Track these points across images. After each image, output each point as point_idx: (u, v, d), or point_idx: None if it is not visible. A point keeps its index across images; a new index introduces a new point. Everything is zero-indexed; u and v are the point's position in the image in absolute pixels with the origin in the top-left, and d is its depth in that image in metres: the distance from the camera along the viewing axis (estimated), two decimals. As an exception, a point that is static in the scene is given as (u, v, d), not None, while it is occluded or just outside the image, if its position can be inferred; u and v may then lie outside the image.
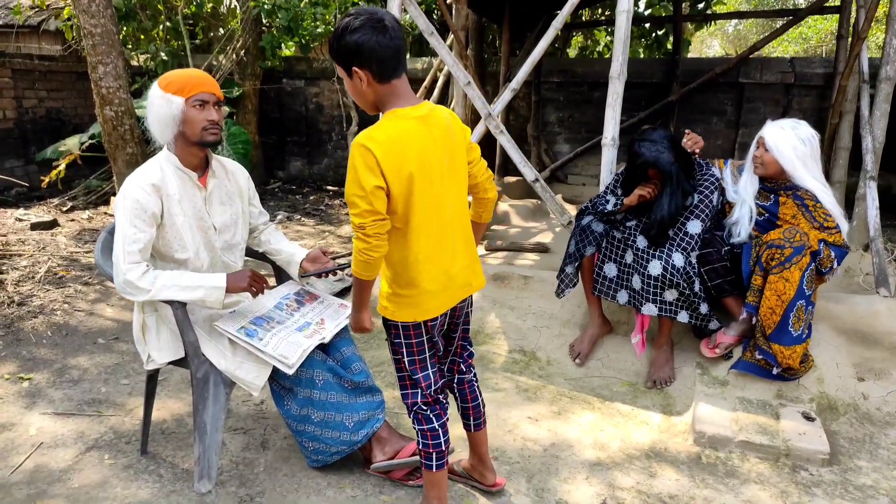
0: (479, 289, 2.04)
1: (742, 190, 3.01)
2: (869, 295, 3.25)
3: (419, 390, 2.00)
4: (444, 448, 2.00)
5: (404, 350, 1.97)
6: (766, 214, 2.98)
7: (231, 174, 2.37)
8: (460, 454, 2.41)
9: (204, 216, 2.24)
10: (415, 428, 2.03)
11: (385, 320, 1.96)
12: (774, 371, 2.82)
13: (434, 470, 2.00)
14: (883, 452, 2.62)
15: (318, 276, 2.43)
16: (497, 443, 2.61)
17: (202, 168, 2.25)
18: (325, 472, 2.36)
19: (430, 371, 1.99)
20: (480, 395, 2.22)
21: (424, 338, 1.95)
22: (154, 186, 2.09)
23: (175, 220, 2.15)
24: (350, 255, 2.59)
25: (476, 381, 2.22)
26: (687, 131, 3.16)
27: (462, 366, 2.18)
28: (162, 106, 2.09)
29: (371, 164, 1.68)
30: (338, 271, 2.47)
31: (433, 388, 2.00)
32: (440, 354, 2.07)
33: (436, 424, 2.00)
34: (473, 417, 2.20)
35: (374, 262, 1.79)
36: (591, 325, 3.31)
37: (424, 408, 2.00)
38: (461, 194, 1.91)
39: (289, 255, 2.49)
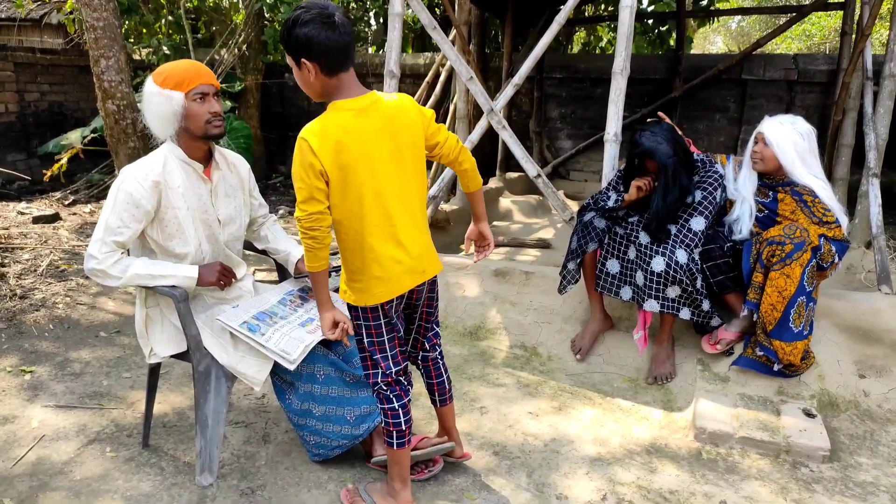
0: (434, 275, 2.10)
1: (741, 187, 3.01)
2: (871, 292, 3.24)
3: (379, 370, 2.05)
4: (403, 427, 2.06)
5: (363, 332, 2.03)
6: (766, 211, 2.97)
7: (233, 166, 2.36)
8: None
9: (209, 209, 2.23)
10: (377, 407, 2.12)
11: (347, 304, 2.04)
12: (775, 368, 2.82)
13: (395, 448, 2.07)
14: (883, 449, 2.62)
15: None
16: (498, 438, 2.62)
17: (206, 160, 2.24)
18: (326, 465, 2.37)
19: (388, 353, 2.04)
20: (446, 372, 2.30)
21: (382, 321, 2.00)
22: (154, 183, 2.08)
23: (177, 213, 2.14)
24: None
25: (441, 359, 2.29)
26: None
27: (426, 344, 2.25)
28: (161, 103, 2.06)
29: (308, 155, 1.77)
30: (331, 273, 2.46)
31: (393, 369, 2.05)
32: (401, 336, 2.12)
33: (395, 405, 2.05)
34: (438, 394, 2.30)
35: (316, 254, 1.87)
36: (593, 321, 3.31)
37: (385, 388, 2.06)
38: (411, 182, 1.95)
39: (285, 253, 2.50)
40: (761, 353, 2.84)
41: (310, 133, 1.79)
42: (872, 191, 3.66)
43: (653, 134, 2.88)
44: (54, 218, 5.73)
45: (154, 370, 2.43)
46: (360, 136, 1.82)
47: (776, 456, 2.54)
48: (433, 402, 2.33)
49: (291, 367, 2.13)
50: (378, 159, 1.85)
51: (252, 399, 2.86)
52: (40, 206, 6.13)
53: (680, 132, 3.01)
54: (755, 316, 2.85)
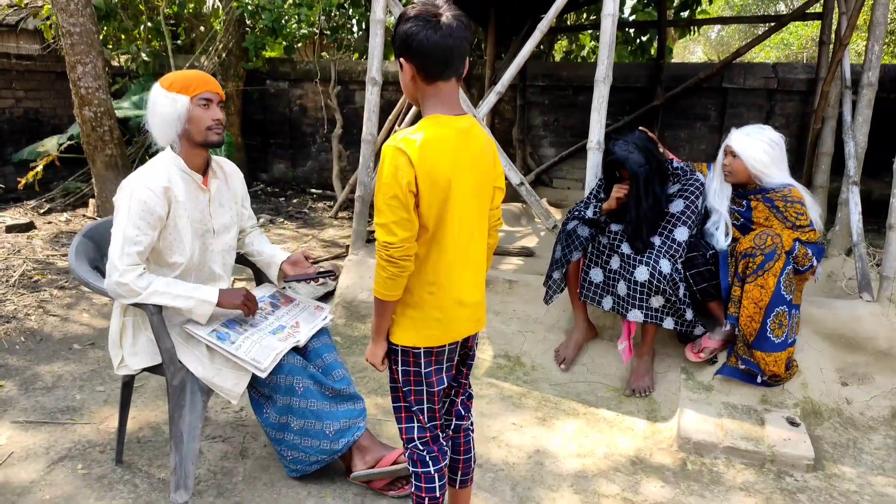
0: (482, 328, 1.90)
1: (714, 200, 3.02)
2: (852, 300, 3.26)
3: (416, 424, 1.82)
4: (437, 495, 1.82)
5: (403, 378, 1.78)
6: (742, 220, 2.98)
7: (228, 175, 2.34)
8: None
9: (206, 219, 2.21)
10: (409, 469, 1.86)
11: (390, 344, 1.78)
12: (759, 380, 2.82)
13: None
14: (867, 458, 2.62)
15: (298, 281, 2.39)
16: (481, 450, 2.58)
17: (204, 169, 2.22)
18: (304, 481, 2.31)
19: (429, 406, 1.80)
20: (474, 448, 2.00)
21: (432, 368, 1.77)
22: (164, 189, 2.06)
23: (178, 223, 2.12)
24: (332, 258, 2.56)
25: (472, 431, 2.00)
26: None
27: (462, 411, 1.96)
28: (166, 105, 2.06)
29: (405, 168, 1.54)
30: (319, 278, 2.43)
31: (429, 424, 1.82)
32: (441, 391, 1.83)
33: (431, 469, 1.81)
34: (462, 472, 1.97)
35: (397, 283, 1.63)
36: (577, 331, 3.29)
37: (421, 447, 1.82)
38: (483, 225, 1.76)
39: (269, 256, 2.46)
40: (744, 367, 2.83)
41: (409, 143, 1.55)
42: (853, 198, 3.68)
43: (625, 143, 2.89)
44: (28, 227, 5.61)
45: (127, 384, 2.36)
46: (459, 159, 1.61)
47: (761, 465, 2.53)
48: (451, 481, 1.97)
49: (262, 375, 2.09)
50: (465, 190, 1.64)
51: (229, 413, 2.79)
52: (14, 215, 6.00)
53: (655, 140, 3.01)
54: (736, 330, 2.85)
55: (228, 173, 2.34)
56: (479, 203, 1.71)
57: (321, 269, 2.47)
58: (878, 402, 2.89)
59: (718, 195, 3.01)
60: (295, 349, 2.23)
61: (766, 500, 2.33)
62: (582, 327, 3.28)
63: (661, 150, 3.04)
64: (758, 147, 2.85)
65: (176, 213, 2.10)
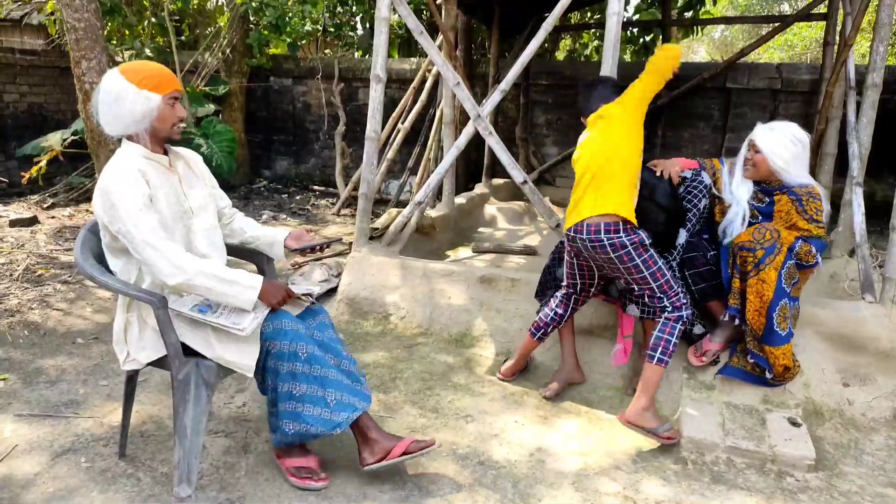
0: None
1: (736, 191, 3.00)
2: (854, 301, 3.25)
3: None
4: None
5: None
6: (760, 217, 2.97)
7: (189, 160, 2.36)
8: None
9: (182, 200, 2.22)
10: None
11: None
12: (768, 376, 2.81)
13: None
14: (868, 458, 2.62)
15: (303, 251, 2.43)
16: (483, 447, 2.58)
17: (164, 153, 2.25)
18: (307, 476, 2.32)
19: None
20: None
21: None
22: (140, 172, 2.07)
23: (159, 207, 2.12)
24: (335, 240, 2.58)
25: None
26: (657, 163, 3.07)
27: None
28: (138, 102, 2.06)
29: None
30: (324, 246, 2.46)
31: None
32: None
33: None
34: None
35: None
36: (564, 370, 3.10)
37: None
38: None
39: (271, 236, 2.48)
40: (752, 361, 2.83)
41: None
42: (856, 199, 3.68)
43: (650, 202, 2.83)
44: (32, 221, 5.62)
45: (131, 378, 2.37)
46: None
47: (762, 465, 2.53)
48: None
49: (242, 335, 2.09)
50: None
51: (232, 408, 2.80)
52: (18, 210, 6.02)
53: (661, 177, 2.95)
54: (736, 321, 2.85)
55: (188, 157, 2.36)
56: None
57: (326, 239, 2.50)
58: (879, 403, 2.89)
59: (739, 187, 3.00)
60: None
61: (767, 500, 2.33)
62: (569, 366, 3.11)
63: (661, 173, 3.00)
64: (781, 143, 2.83)
65: (155, 197, 2.11)
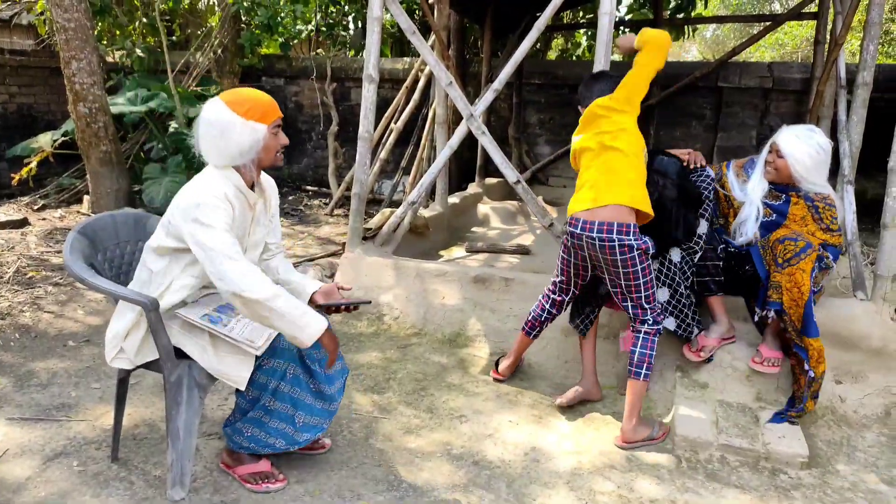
0: None
1: (751, 190, 3.01)
2: (846, 298, 3.27)
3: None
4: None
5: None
6: (774, 215, 2.97)
7: (268, 198, 2.32)
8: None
9: (245, 236, 2.20)
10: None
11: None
12: (807, 368, 2.72)
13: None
14: (860, 455, 2.64)
15: (330, 308, 2.32)
16: (477, 447, 2.58)
17: (252, 187, 2.19)
18: (302, 480, 2.31)
19: None
20: None
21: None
22: (229, 200, 2.04)
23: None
24: (365, 301, 2.48)
25: None
26: (689, 152, 3.08)
27: None
28: (245, 134, 2.01)
29: None
30: (352, 307, 2.35)
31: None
32: None
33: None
34: None
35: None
36: (583, 383, 2.99)
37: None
38: None
39: (300, 286, 2.36)
40: (795, 351, 2.78)
41: None
42: (847, 198, 3.70)
43: (661, 176, 2.83)
44: (22, 223, 5.58)
45: (123, 381, 2.36)
46: None
47: (755, 463, 2.54)
48: None
49: (257, 353, 2.10)
50: None
51: (225, 410, 2.79)
52: (7, 211, 5.97)
53: (681, 161, 2.95)
54: (782, 320, 2.77)
55: (268, 195, 2.32)
56: None
57: (356, 300, 2.41)
58: (871, 401, 2.90)
59: (756, 187, 3.00)
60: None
61: (761, 498, 2.34)
62: (589, 383, 2.99)
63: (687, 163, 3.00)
64: (805, 151, 2.83)
65: (231, 226, 2.07)
